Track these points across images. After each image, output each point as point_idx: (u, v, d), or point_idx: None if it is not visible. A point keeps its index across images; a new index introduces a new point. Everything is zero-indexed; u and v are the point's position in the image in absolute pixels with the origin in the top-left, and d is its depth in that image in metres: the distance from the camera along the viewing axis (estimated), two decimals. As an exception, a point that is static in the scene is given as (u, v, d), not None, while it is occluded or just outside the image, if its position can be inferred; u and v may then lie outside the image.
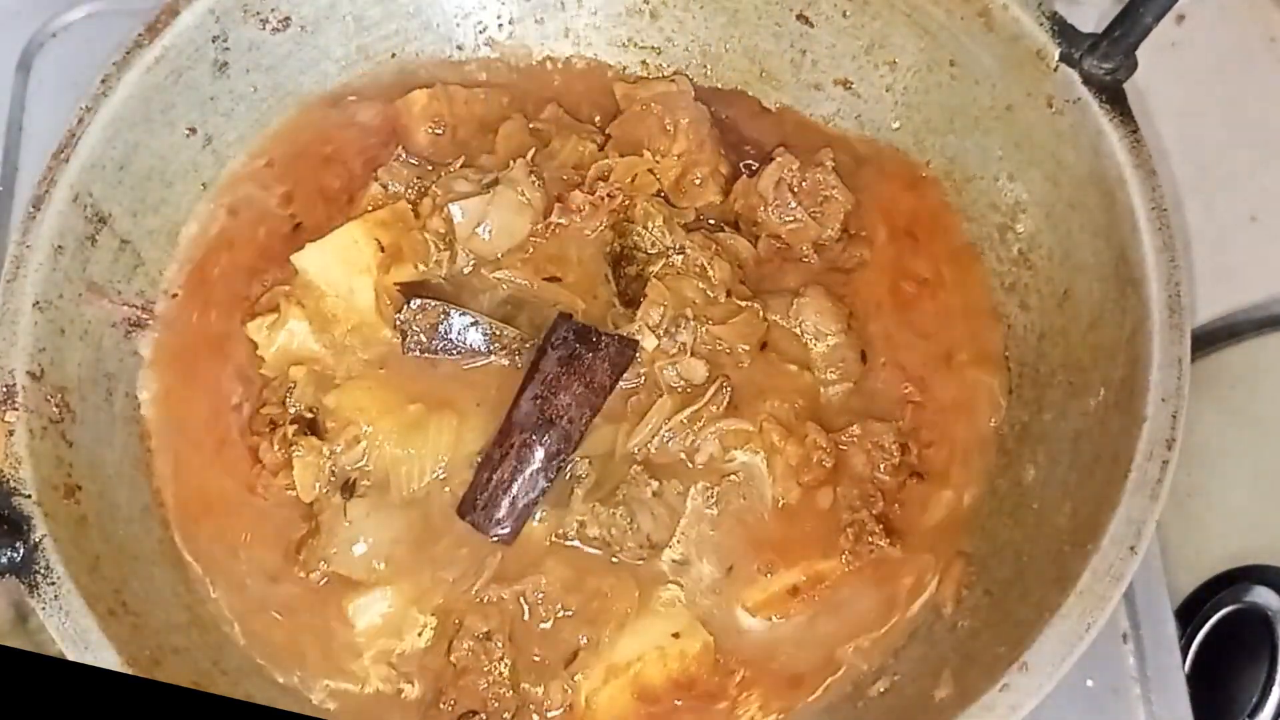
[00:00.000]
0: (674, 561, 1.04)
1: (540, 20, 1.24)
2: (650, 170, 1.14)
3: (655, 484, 1.02)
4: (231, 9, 1.12)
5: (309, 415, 1.07)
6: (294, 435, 1.05)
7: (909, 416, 1.09)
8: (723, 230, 1.15)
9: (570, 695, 1.00)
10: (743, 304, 1.08)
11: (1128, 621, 1.09)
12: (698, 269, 1.09)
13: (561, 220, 1.09)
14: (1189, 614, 1.17)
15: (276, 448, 1.05)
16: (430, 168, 1.15)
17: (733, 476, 1.05)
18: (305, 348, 1.08)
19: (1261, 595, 1.12)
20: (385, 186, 1.14)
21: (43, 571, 0.93)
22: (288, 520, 1.06)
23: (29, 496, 0.95)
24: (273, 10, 1.15)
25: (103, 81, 1.07)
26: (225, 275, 1.14)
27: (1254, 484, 1.21)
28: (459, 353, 1.08)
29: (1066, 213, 1.07)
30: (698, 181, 1.16)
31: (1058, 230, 1.08)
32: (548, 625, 1.01)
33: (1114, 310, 1.01)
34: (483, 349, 1.08)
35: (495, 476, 1.02)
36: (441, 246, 1.10)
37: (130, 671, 0.91)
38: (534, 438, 1.02)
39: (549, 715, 1.00)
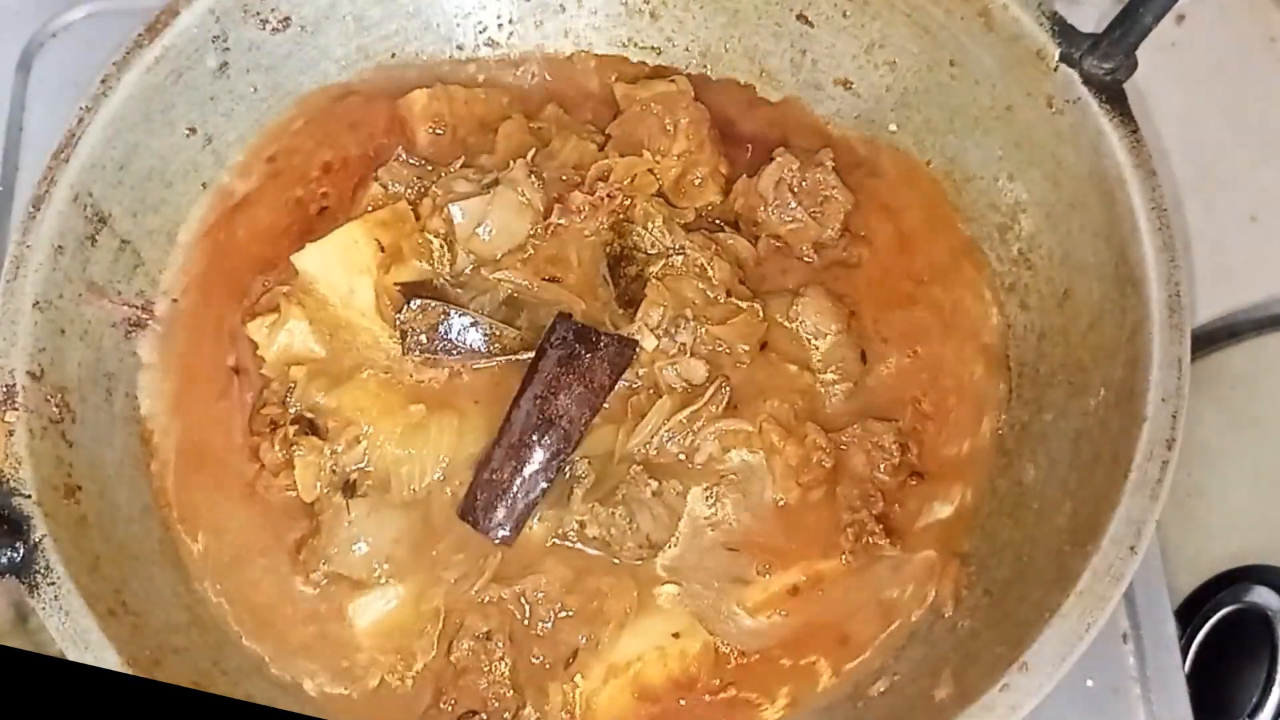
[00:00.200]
0: (674, 561, 1.04)
1: (540, 20, 1.24)
2: (650, 170, 1.14)
3: (655, 484, 1.02)
4: (231, 9, 1.12)
5: (309, 415, 1.07)
6: (295, 435, 1.05)
7: (909, 416, 1.09)
8: (723, 230, 1.15)
9: (570, 695, 1.00)
10: (743, 304, 1.08)
11: (1128, 621, 1.09)
12: (698, 269, 1.09)
13: (561, 221, 1.09)
14: (1189, 614, 1.17)
15: (277, 448, 1.05)
16: (430, 168, 1.15)
17: (732, 476, 1.05)
18: (305, 348, 1.08)
19: (1261, 595, 1.12)
20: (385, 186, 1.14)
21: (43, 571, 0.93)
22: (288, 520, 1.07)
23: (29, 496, 0.95)
24: (273, 10, 1.15)
25: (103, 81, 1.07)
26: (225, 275, 1.14)
27: (1254, 484, 1.21)
28: (459, 353, 1.08)
29: (1066, 213, 1.07)
30: (698, 181, 1.17)
31: (1058, 230, 1.08)
32: (548, 625, 1.01)
33: (1114, 310, 1.01)
34: (483, 349, 1.08)
35: (495, 477, 1.02)
36: (441, 247, 1.10)
37: (130, 672, 0.91)
38: (534, 438, 1.02)
39: (549, 715, 1.00)
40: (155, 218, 1.13)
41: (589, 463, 1.04)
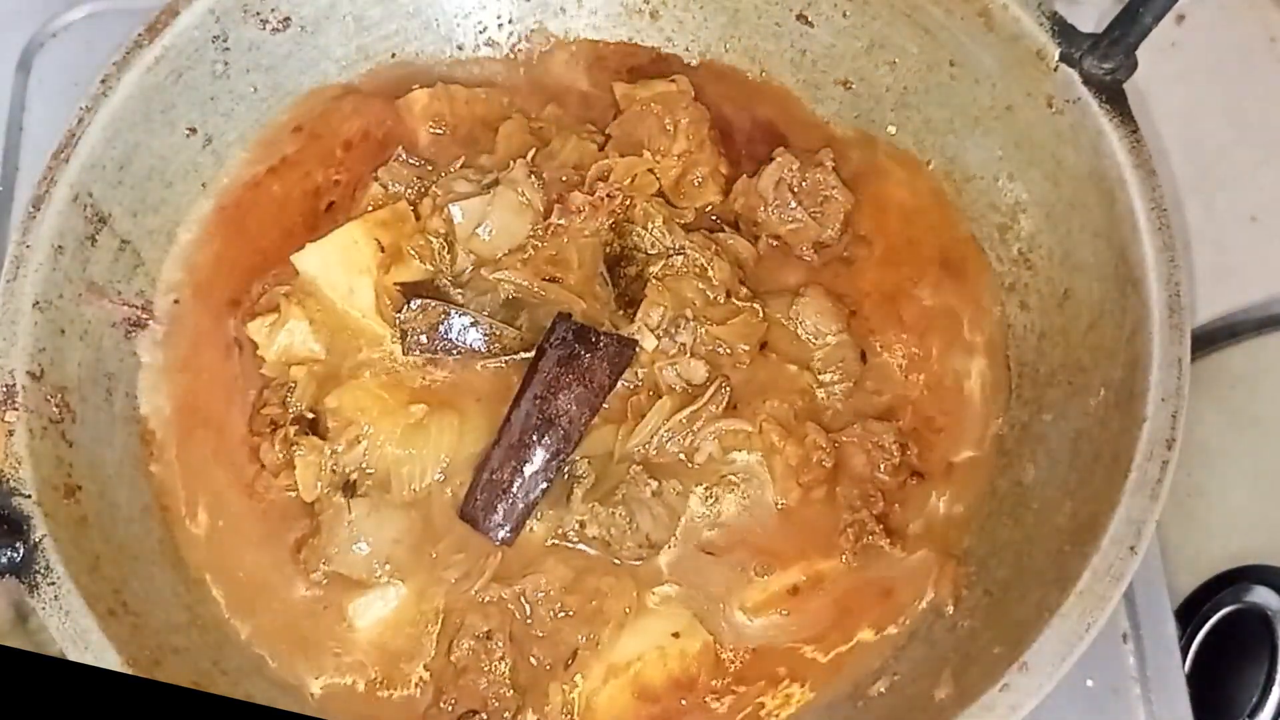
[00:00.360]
0: (674, 561, 1.04)
1: (540, 20, 1.24)
2: (650, 170, 1.14)
3: (654, 484, 1.02)
4: (231, 9, 1.12)
5: (310, 415, 1.07)
6: (295, 435, 1.05)
7: (909, 416, 1.09)
8: (723, 230, 1.15)
9: (570, 695, 1.00)
10: (742, 304, 1.08)
11: (1128, 621, 1.09)
12: (697, 269, 1.09)
13: (561, 221, 1.09)
14: (1189, 614, 1.17)
15: (277, 448, 1.05)
16: (430, 168, 1.15)
17: (732, 477, 1.05)
18: (306, 348, 1.08)
19: (1261, 595, 1.12)
20: (385, 186, 1.14)
21: (43, 571, 0.93)
22: (288, 520, 1.07)
23: (29, 496, 0.95)
24: (273, 10, 1.15)
25: (103, 81, 1.07)
26: (225, 275, 1.14)
27: (1254, 484, 1.21)
28: (459, 353, 1.08)
29: (1066, 213, 1.07)
30: (698, 182, 1.17)
31: (1058, 230, 1.08)
32: (548, 625, 1.01)
33: (1114, 310, 1.01)
34: (483, 349, 1.08)
35: (495, 477, 1.02)
36: (441, 247, 1.10)
37: (130, 671, 0.91)
38: (534, 438, 1.02)
39: (549, 715, 1.00)
40: (155, 218, 1.13)
41: (589, 463, 1.04)
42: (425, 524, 1.04)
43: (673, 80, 1.18)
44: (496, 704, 0.99)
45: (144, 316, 1.11)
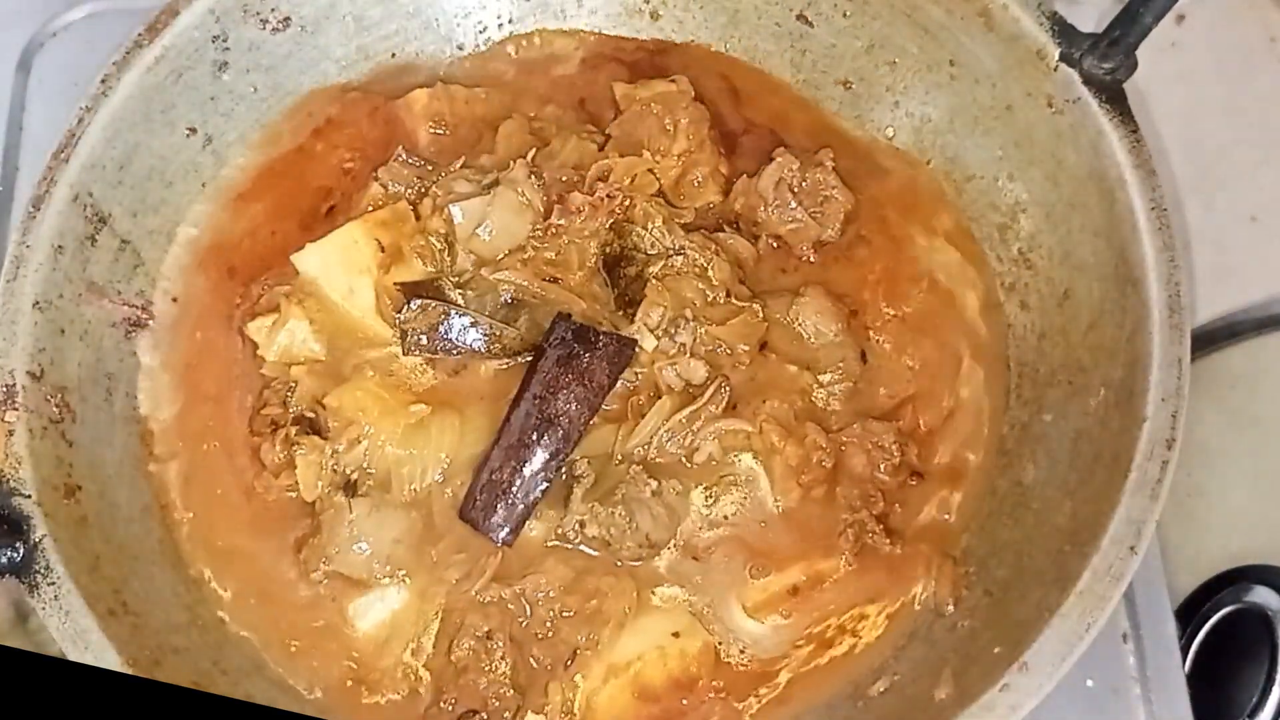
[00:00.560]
0: (673, 561, 1.04)
1: (540, 20, 1.24)
2: (650, 170, 1.14)
3: (654, 484, 1.02)
4: (231, 9, 1.12)
5: (310, 415, 1.07)
6: (296, 435, 1.05)
7: (909, 416, 1.09)
8: (723, 230, 1.15)
9: (570, 695, 1.00)
10: (742, 304, 1.08)
11: (1128, 621, 1.09)
12: (697, 269, 1.09)
13: (561, 221, 1.09)
14: (1189, 614, 1.17)
15: (278, 448, 1.05)
16: (430, 168, 1.15)
17: (732, 477, 1.05)
18: (306, 348, 1.08)
19: (1261, 595, 1.12)
20: (385, 186, 1.14)
21: (43, 571, 0.93)
22: (288, 520, 1.07)
23: (29, 496, 0.95)
24: (273, 10, 1.15)
25: (103, 81, 1.07)
26: (225, 276, 1.14)
27: (1254, 484, 1.21)
28: (459, 353, 1.08)
29: (1066, 212, 1.07)
30: (698, 182, 1.16)
31: (1058, 230, 1.08)
32: (548, 625, 1.01)
33: (1114, 310, 1.01)
34: (483, 349, 1.07)
35: (495, 477, 1.02)
36: (441, 247, 1.10)
37: (130, 671, 0.91)
38: (533, 438, 1.02)
39: (549, 715, 1.00)
40: (155, 218, 1.13)
41: (589, 463, 1.04)
42: (426, 524, 1.04)
43: (673, 80, 1.19)
44: (497, 704, 0.99)
45: (144, 316, 1.11)
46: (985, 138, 1.13)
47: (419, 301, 1.07)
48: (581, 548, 1.04)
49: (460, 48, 1.24)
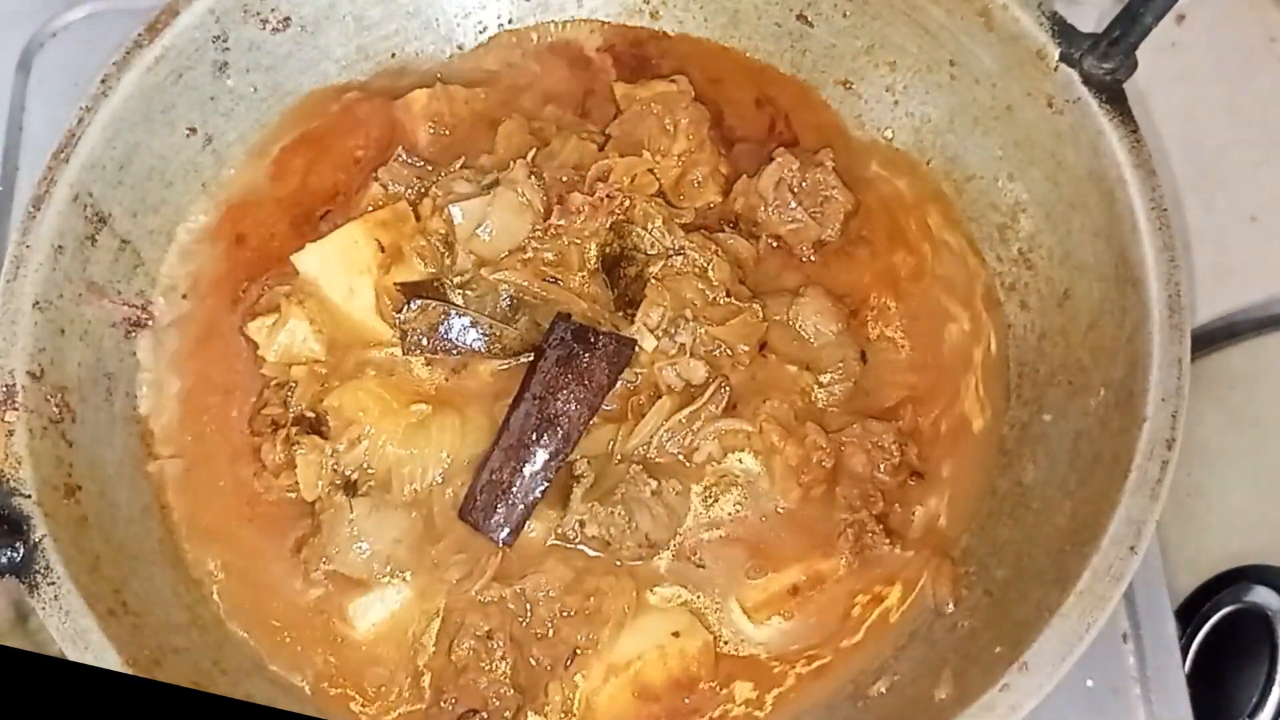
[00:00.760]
0: (673, 561, 1.04)
1: (540, 20, 1.24)
2: (650, 170, 1.14)
3: (654, 483, 1.02)
4: (232, 9, 1.12)
5: (310, 415, 1.07)
6: (296, 434, 1.05)
7: (909, 416, 1.09)
8: (722, 230, 1.15)
9: (570, 695, 1.00)
10: (742, 304, 1.08)
11: (1128, 621, 1.09)
12: (697, 270, 1.09)
13: (561, 222, 1.09)
14: (1189, 614, 1.17)
15: (278, 448, 1.05)
16: (430, 168, 1.15)
17: (731, 476, 1.05)
18: (306, 348, 1.08)
19: (1261, 595, 1.12)
20: (385, 186, 1.14)
21: (43, 571, 0.93)
22: (288, 521, 1.07)
23: (29, 496, 0.95)
24: (273, 10, 1.15)
25: (103, 81, 1.07)
26: (225, 275, 1.14)
27: (1254, 484, 1.21)
28: (459, 353, 1.08)
29: (1066, 212, 1.07)
30: (698, 182, 1.16)
31: (1058, 230, 1.08)
32: (548, 625, 1.01)
33: (1114, 310, 1.01)
34: (483, 349, 1.08)
35: (495, 477, 1.02)
36: (442, 247, 1.10)
37: (130, 671, 0.91)
38: (533, 438, 1.02)
39: (549, 714, 1.00)
40: (155, 218, 1.13)
41: (588, 462, 1.04)
42: (426, 524, 1.04)
43: (673, 80, 1.19)
44: (497, 703, 0.99)
45: (144, 316, 1.12)
46: (985, 138, 1.13)
47: (419, 302, 1.07)
48: (581, 547, 1.04)
49: (460, 47, 1.24)
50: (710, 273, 1.09)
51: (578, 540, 1.03)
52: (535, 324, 1.08)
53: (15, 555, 0.93)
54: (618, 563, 1.03)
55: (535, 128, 1.18)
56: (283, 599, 1.05)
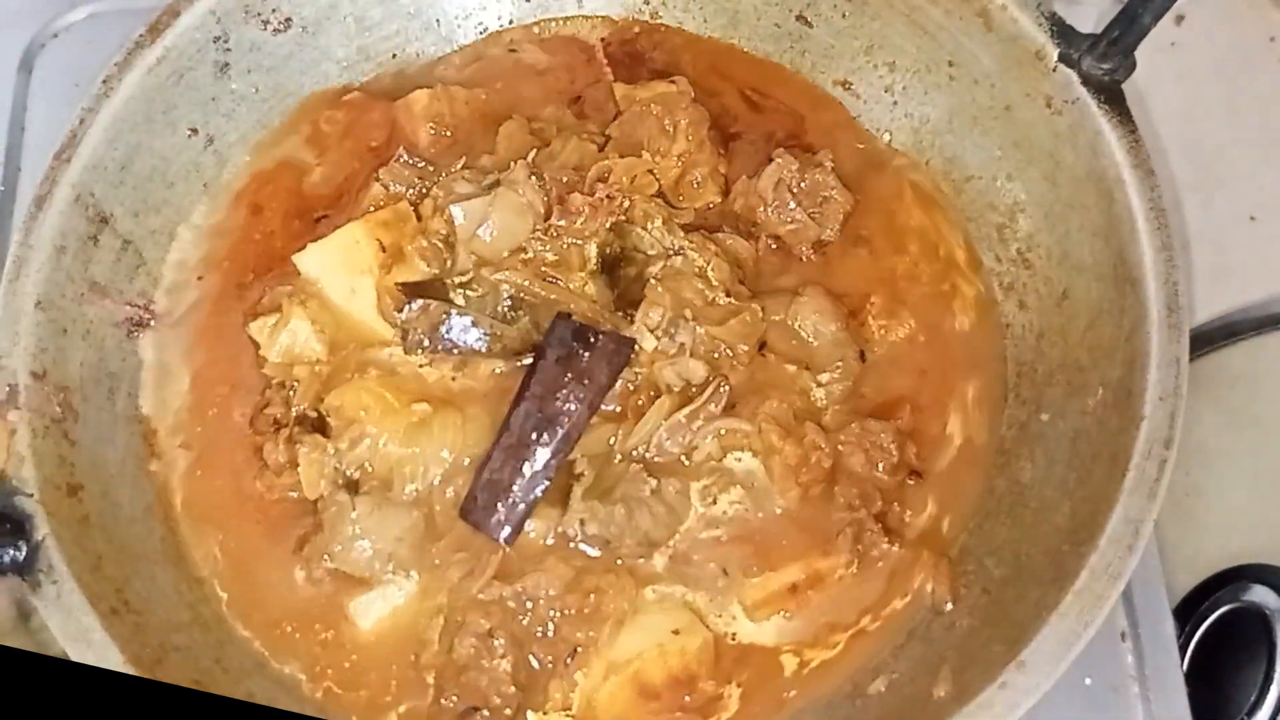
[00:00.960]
0: (673, 559, 1.04)
1: (540, 21, 1.25)
2: (650, 171, 1.14)
3: (654, 482, 1.02)
4: (233, 10, 1.12)
5: (313, 415, 1.07)
6: (298, 434, 1.05)
7: (908, 416, 1.09)
8: (722, 230, 1.15)
9: (571, 693, 1.01)
10: (741, 304, 1.09)
11: (1126, 620, 1.09)
12: (697, 270, 1.09)
13: (561, 222, 1.09)
14: (1187, 613, 1.17)
15: (281, 447, 1.05)
16: (431, 168, 1.15)
17: (731, 476, 1.05)
18: (308, 348, 1.08)
19: (1259, 594, 1.13)
20: (386, 187, 1.14)
21: (45, 570, 0.93)
22: (291, 519, 1.07)
23: (31, 496, 0.95)
24: (274, 11, 1.15)
25: (104, 82, 1.08)
26: (227, 276, 1.15)
27: (1252, 483, 1.21)
28: (460, 353, 1.08)
29: (1065, 212, 1.07)
30: (697, 182, 1.17)
31: (1056, 230, 1.08)
32: (549, 623, 1.01)
33: (1112, 310, 1.01)
34: (483, 349, 1.08)
35: (495, 477, 1.02)
36: (443, 247, 1.11)
37: (132, 671, 0.91)
38: (533, 437, 1.02)
39: (550, 712, 1.01)
40: (157, 218, 1.13)
41: (588, 462, 1.04)
42: (427, 523, 1.05)
43: (672, 81, 1.19)
44: (498, 701, 0.99)
45: (146, 316, 1.12)
46: (984, 138, 1.13)
47: (420, 301, 1.07)
48: (581, 546, 1.04)
49: (461, 48, 1.25)
50: (710, 273, 1.09)
51: (578, 539, 1.03)
52: (535, 324, 1.08)
53: (18, 554, 0.93)
54: (618, 561, 1.03)
55: (536, 128, 1.18)
56: (285, 597, 1.05)
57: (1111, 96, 1.03)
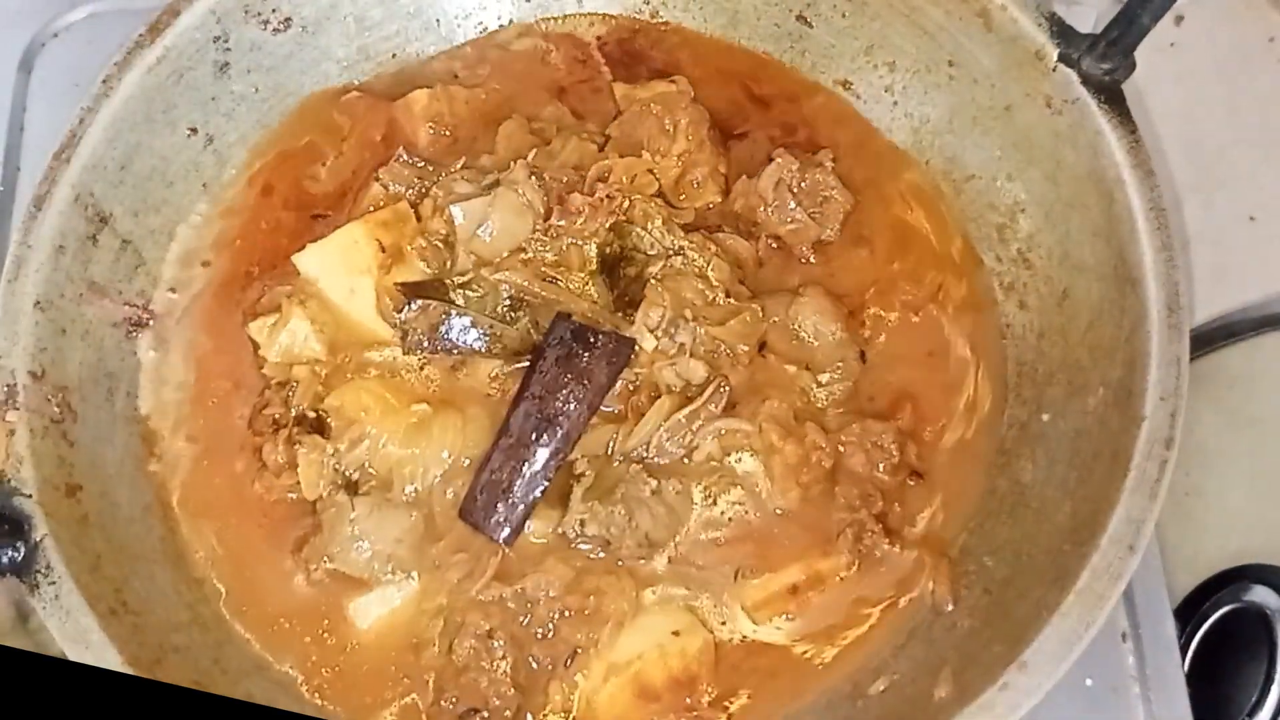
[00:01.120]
0: (673, 561, 1.04)
1: (540, 21, 1.25)
2: (650, 170, 1.14)
3: (654, 483, 1.02)
4: (233, 9, 1.12)
5: (312, 415, 1.07)
6: (297, 434, 1.05)
7: (908, 416, 1.09)
8: (722, 230, 1.15)
9: (571, 694, 1.01)
10: (742, 305, 1.08)
11: (1127, 620, 1.09)
12: (697, 270, 1.09)
13: (561, 222, 1.09)
14: (1188, 613, 1.17)
15: (280, 448, 1.05)
16: (431, 168, 1.15)
17: (731, 476, 1.05)
18: (307, 348, 1.08)
19: (1260, 594, 1.13)
20: (386, 187, 1.14)
21: (44, 571, 0.93)
22: (290, 520, 1.07)
23: (30, 496, 0.95)
24: (274, 11, 1.15)
25: (104, 82, 1.07)
26: (226, 276, 1.15)
27: (1252, 483, 1.21)
28: (459, 353, 1.08)
29: (1065, 213, 1.07)
30: (697, 182, 1.17)
31: (1056, 230, 1.08)
32: (548, 624, 1.01)
33: (1113, 310, 1.01)
34: (483, 349, 1.08)
35: (495, 477, 1.02)
36: (442, 247, 1.11)
37: (131, 671, 0.91)
38: (533, 438, 1.02)
39: (550, 714, 1.01)
40: (156, 218, 1.13)
41: (588, 462, 1.04)
42: (427, 523, 1.05)
43: (672, 80, 1.19)
44: (497, 702, 0.99)
45: (145, 316, 1.12)
46: (984, 138, 1.13)
47: (419, 302, 1.07)
48: (581, 547, 1.04)
49: (461, 48, 1.24)
50: (710, 273, 1.09)
51: (578, 540, 1.03)
52: (535, 324, 1.08)
53: (16, 555, 0.93)
54: (618, 562, 1.03)
55: (535, 128, 1.18)
56: (284, 598, 1.05)
57: (1111, 96, 1.03)
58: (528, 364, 1.06)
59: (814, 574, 1.04)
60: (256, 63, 1.16)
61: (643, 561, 1.04)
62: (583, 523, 1.02)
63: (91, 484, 1.02)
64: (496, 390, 1.08)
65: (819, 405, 1.09)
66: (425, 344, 1.07)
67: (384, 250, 1.09)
